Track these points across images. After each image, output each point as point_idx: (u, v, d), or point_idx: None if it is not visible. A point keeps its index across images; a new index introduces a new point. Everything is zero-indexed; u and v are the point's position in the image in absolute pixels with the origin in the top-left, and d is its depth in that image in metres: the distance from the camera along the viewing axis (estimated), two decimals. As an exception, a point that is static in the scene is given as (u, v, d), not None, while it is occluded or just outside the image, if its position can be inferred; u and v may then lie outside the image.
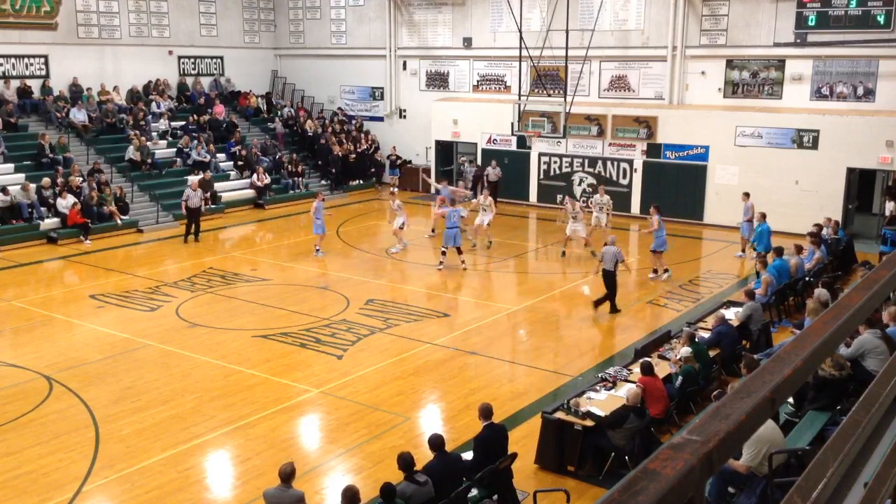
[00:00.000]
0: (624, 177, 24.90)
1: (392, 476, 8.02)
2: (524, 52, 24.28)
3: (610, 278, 15.23)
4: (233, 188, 26.08)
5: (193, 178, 23.10)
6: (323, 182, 28.62)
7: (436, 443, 8.11)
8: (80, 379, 12.16)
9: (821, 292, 12.47)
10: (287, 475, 7.59)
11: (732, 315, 13.05)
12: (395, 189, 25.04)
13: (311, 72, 32.04)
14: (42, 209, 21.50)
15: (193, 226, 21.36)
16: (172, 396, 11.59)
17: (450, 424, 10.69)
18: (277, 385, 12.01)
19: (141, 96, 27.85)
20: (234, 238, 22.72)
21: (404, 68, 29.96)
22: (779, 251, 15.67)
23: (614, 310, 15.34)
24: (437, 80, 29.16)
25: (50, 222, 21.46)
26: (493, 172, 25.76)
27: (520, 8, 24.39)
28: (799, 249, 16.03)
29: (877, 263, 7.48)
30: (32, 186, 21.62)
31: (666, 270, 17.72)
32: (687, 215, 23.68)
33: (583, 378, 12.08)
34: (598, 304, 15.41)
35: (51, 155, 23.28)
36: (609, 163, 25.09)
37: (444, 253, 18.60)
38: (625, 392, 9.80)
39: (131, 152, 24.72)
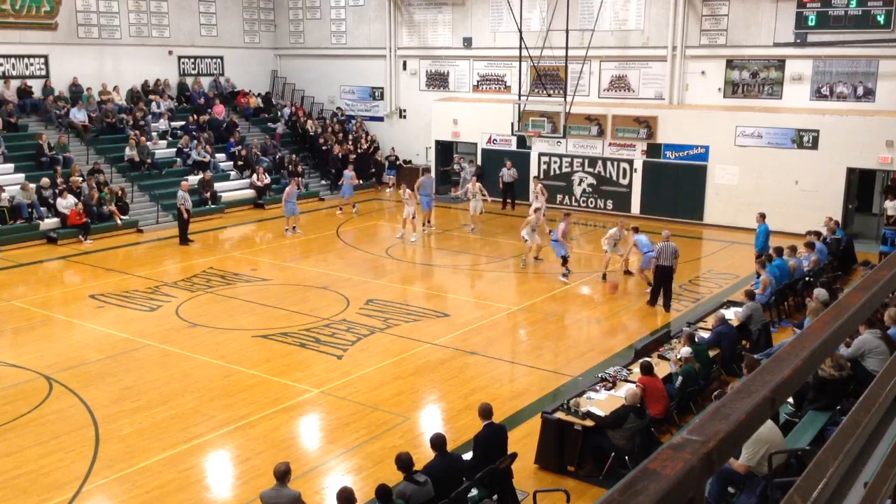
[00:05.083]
0: (624, 177, 24.90)
1: (392, 476, 8.02)
2: (524, 52, 24.28)
3: (667, 274, 15.44)
4: (233, 188, 26.08)
5: (185, 181, 22.70)
6: (323, 182, 28.64)
7: (437, 443, 8.11)
8: (80, 379, 12.16)
9: (820, 292, 12.46)
10: (282, 475, 7.57)
11: (732, 315, 13.06)
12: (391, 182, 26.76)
13: (311, 72, 32.04)
14: (42, 209, 21.50)
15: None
16: (172, 396, 11.59)
17: (450, 424, 10.69)
18: (277, 385, 12.01)
19: (141, 96, 27.86)
20: (234, 238, 22.71)
21: (404, 68, 29.96)
22: (778, 251, 15.67)
23: (656, 303, 15.66)
24: (437, 80, 29.17)
25: (50, 222, 21.46)
26: (508, 173, 25.73)
27: (520, 8, 24.38)
28: (794, 250, 16.05)
29: (877, 263, 7.48)
30: (32, 186, 21.63)
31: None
32: (687, 215, 23.70)
33: (583, 378, 12.08)
34: (654, 300, 15.70)
35: (50, 154, 23.29)
36: (609, 163, 25.09)
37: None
38: (625, 392, 9.80)
39: (128, 152, 24.72)
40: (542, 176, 26.28)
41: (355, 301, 16.07)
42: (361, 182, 29.05)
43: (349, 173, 25.41)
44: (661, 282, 15.58)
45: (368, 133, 30.58)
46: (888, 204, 19.99)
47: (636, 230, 16.91)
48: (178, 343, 13.79)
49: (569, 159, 25.77)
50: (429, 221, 22.90)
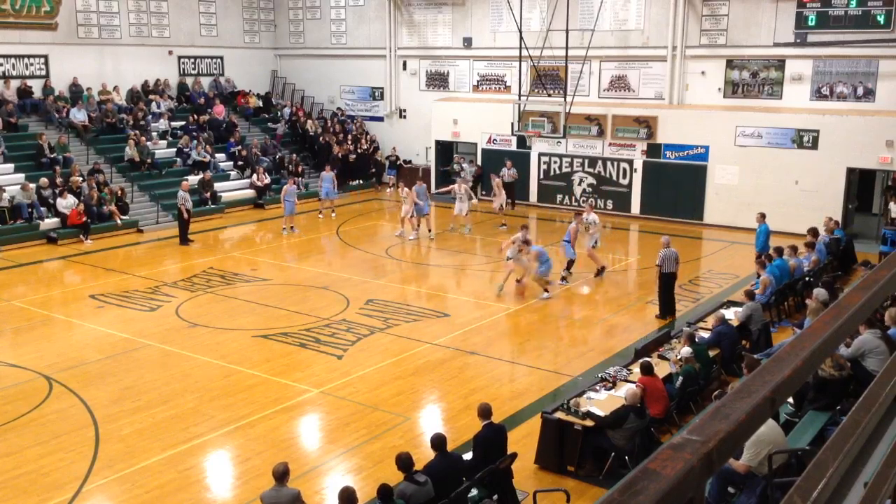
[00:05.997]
0: (624, 177, 24.90)
1: (392, 476, 8.02)
2: (524, 52, 24.28)
3: (670, 281, 15.08)
4: (233, 188, 26.08)
5: (185, 181, 22.51)
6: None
7: (437, 443, 8.11)
8: (80, 379, 12.16)
9: (819, 292, 12.46)
10: (281, 475, 7.59)
11: (732, 315, 13.05)
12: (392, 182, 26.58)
13: (311, 72, 32.04)
14: (42, 209, 21.50)
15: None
16: (172, 396, 11.59)
17: (450, 424, 10.69)
18: (277, 385, 12.01)
19: (141, 96, 27.86)
20: (234, 238, 22.71)
21: (404, 68, 29.96)
22: (778, 251, 15.67)
23: (667, 314, 15.14)
24: (437, 80, 29.16)
25: (50, 222, 21.46)
26: (507, 173, 25.70)
27: (520, 8, 24.38)
28: (794, 250, 16.04)
29: (877, 263, 7.48)
30: (32, 186, 21.63)
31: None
32: (687, 215, 23.70)
33: (583, 378, 12.08)
34: (665, 312, 15.19)
35: (51, 155, 23.29)
36: (609, 163, 25.08)
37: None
38: (625, 392, 9.79)
39: (128, 152, 24.72)
40: (542, 176, 26.32)
41: (355, 301, 16.07)
42: (361, 182, 29.12)
43: (328, 175, 24.40)
44: (667, 290, 15.26)
45: (368, 133, 30.58)
46: (893, 206, 19.95)
47: (527, 242, 16.54)
48: (178, 343, 13.79)
49: (569, 159, 25.77)
50: (426, 227, 22.37)
